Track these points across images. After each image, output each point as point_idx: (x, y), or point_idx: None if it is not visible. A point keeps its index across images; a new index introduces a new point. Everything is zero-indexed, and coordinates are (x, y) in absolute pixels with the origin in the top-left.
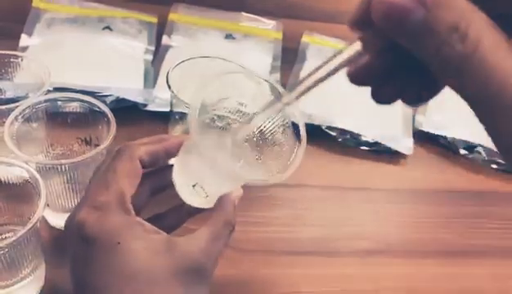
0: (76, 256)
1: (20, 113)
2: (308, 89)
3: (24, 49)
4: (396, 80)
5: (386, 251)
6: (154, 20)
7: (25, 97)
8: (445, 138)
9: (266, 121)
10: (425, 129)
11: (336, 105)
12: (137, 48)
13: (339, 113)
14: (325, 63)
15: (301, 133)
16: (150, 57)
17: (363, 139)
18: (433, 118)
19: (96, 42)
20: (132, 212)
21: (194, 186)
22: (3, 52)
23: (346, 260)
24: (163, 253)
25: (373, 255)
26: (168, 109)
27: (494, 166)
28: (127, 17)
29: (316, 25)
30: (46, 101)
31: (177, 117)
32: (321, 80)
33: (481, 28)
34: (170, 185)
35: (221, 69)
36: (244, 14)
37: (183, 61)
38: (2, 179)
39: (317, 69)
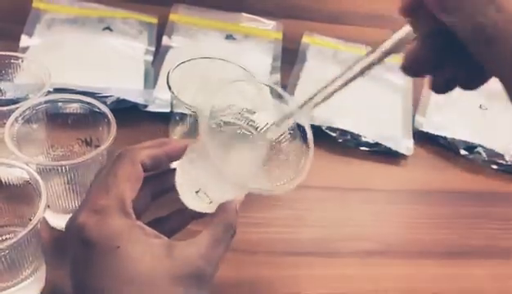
0: (76, 259)
1: (21, 115)
2: (359, 74)
3: (25, 50)
4: (449, 62)
5: (386, 251)
6: (155, 20)
7: (26, 98)
8: (445, 138)
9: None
10: (425, 129)
11: (336, 106)
12: (138, 49)
13: (339, 114)
14: (373, 51)
15: (309, 146)
16: (150, 58)
17: (363, 139)
18: (433, 118)
19: (97, 43)
20: (133, 216)
21: (197, 192)
22: (3, 53)
23: (346, 261)
24: (163, 258)
25: (373, 255)
26: (168, 110)
27: (494, 166)
28: (127, 18)
29: (317, 26)
30: (46, 102)
31: (177, 118)
32: (373, 64)
33: None
34: (172, 189)
35: (220, 73)
36: (244, 14)
37: (183, 62)
38: (3, 180)
39: (368, 54)
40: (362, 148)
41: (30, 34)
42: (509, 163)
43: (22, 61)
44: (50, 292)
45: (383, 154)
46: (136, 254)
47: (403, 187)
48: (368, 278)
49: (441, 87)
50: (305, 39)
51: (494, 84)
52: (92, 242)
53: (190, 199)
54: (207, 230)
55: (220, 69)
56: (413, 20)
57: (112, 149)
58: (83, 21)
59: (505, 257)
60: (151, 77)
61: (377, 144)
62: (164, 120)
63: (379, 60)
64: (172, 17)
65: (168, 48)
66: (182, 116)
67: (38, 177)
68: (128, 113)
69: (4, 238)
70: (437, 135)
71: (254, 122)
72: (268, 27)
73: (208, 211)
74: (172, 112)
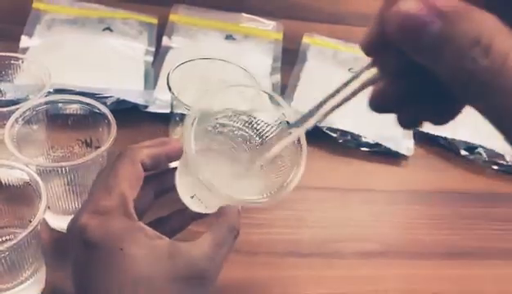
0: (78, 261)
1: (21, 116)
2: (323, 117)
3: (25, 50)
4: (418, 101)
5: (387, 252)
6: (155, 21)
7: (26, 99)
8: (445, 139)
9: (269, 135)
10: (426, 130)
11: None
12: (138, 49)
13: (339, 115)
14: (340, 89)
15: (302, 158)
16: (150, 58)
17: (364, 140)
18: None
19: (97, 44)
20: (135, 217)
21: (192, 197)
22: (3, 54)
23: (347, 262)
24: (165, 259)
25: (374, 256)
26: (168, 111)
27: (495, 167)
28: (127, 18)
29: (317, 26)
30: (46, 103)
31: (177, 118)
32: (336, 107)
33: (506, 41)
34: (173, 188)
35: (220, 73)
36: (244, 15)
37: (184, 63)
38: (3, 181)
39: (331, 95)
40: (363, 148)
41: (30, 35)
42: (509, 164)
43: (22, 62)
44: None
45: (383, 155)
46: (139, 256)
47: (403, 187)
48: (368, 279)
49: (407, 123)
50: (305, 39)
51: None
52: (95, 243)
53: (189, 201)
54: (210, 232)
55: (220, 70)
56: (377, 58)
57: (112, 149)
58: (83, 22)
59: (505, 258)
60: (151, 78)
61: (377, 145)
62: (164, 121)
63: (343, 102)
64: (172, 17)
65: (168, 49)
66: (182, 117)
67: (38, 178)
68: (128, 114)
69: (4, 239)
70: (438, 136)
71: (251, 123)
72: (268, 27)
73: (208, 212)
74: (172, 112)
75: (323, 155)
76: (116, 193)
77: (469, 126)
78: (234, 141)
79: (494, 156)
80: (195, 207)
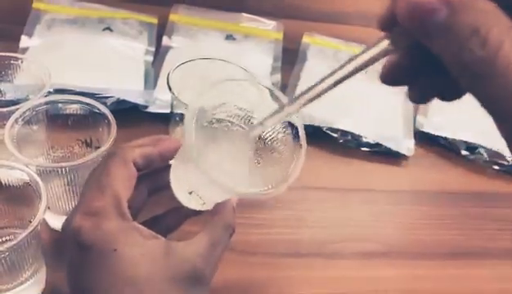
0: (73, 262)
1: (21, 116)
2: (334, 85)
3: (25, 50)
4: (428, 76)
5: (387, 252)
6: (155, 20)
7: (26, 99)
8: (446, 139)
9: (268, 131)
10: (426, 130)
11: (337, 106)
12: (138, 49)
13: (339, 115)
14: (352, 60)
15: (302, 146)
16: (150, 58)
17: (364, 140)
18: (434, 118)
19: (97, 44)
20: (129, 217)
21: (190, 193)
22: (3, 54)
23: (347, 262)
24: (161, 259)
25: (374, 256)
26: (168, 111)
27: (495, 167)
28: (127, 18)
29: (317, 26)
30: (46, 103)
31: (177, 118)
32: (348, 76)
33: (502, 32)
34: (167, 186)
35: (220, 73)
36: (244, 14)
37: (184, 63)
38: (3, 182)
39: (342, 66)
40: (363, 148)
41: (30, 35)
42: (510, 164)
43: (22, 62)
44: None
45: (384, 155)
46: (134, 256)
47: (404, 187)
48: (368, 279)
49: (418, 98)
50: (305, 39)
51: None
52: (89, 245)
53: (185, 198)
54: (205, 230)
55: (220, 70)
56: (390, 34)
57: (112, 150)
58: (83, 22)
59: (506, 258)
60: (151, 78)
61: (378, 145)
62: (165, 121)
63: (354, 73)
64: (173, 17)
65: (168, 48)
66: (183, 117)
67: (38, 179)
68: (128, 114)
69: (4, 239)
70: (438, 136)
71: (248, 118)
72: (268, 27)
73: (203, 209)
74: (172, 112)
75: (323, 155)
76: (109, 193)
77: (470, 126)
78: (231, 136)
79: (495, 156)
80: (191, 203)
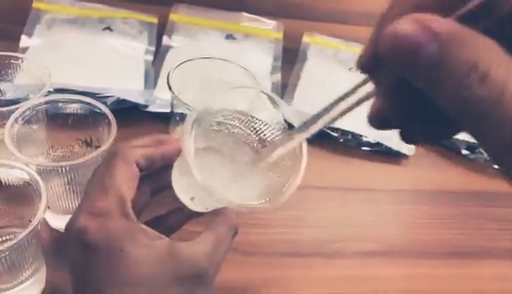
0: (77, 263)
1: (21, 115)
2: (318, 128)
3: (25, 50)
4: (417, 117)
5: (387, 251)
6: (155, 20)
7: (26, 98)
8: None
9: (267, 133)
10: None
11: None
12: (138, 49)
13: None
14: (336, 103)
15: (301, 166)
16: (150, 58)
17: (365, 139)
18: None
19: (97, 43)
20: (133, 217)
21: (192, 199)
22: (3, 53)
23: (347, 262)
24: (165, 259)
25: (374, 256)
26: (168, 110)
27: (496, 166)
28: (127, 18)
29: (317, 25)
30: (46, 103)
31: (177, 118)
32: (332, 121)
33: (504, 68)
34: (170, 186)
35: (220, 73)
36: (244, 14)
37: (184, 62)
38: (3, 181)
39: (326, 109)
40: (364, 148)
41: (30, 34)
42: None
43: (22, 61)
44: (50, 293)
45: (384, 154)
46: (139, 257)
47: (405, 187)
48: (369, 279)
49: (411, 139)
50: (305, 39)
51: None
52: (95, 244)
53: (187, 202)
54: (209, 231)
55: (220, 69)
56: (372, 76)
57: (112, 149)
58: (83, 21)
59: (506, 258)
60: (151, 78)
61: (378, 144)
62: (165, 120)
63: (338, 117)
64: (173, 17)
65: (168, 48)
66: (183, 116)
67: (38, 178)
68: (129, 114)
69: (4, 239)
70: None
71: (248, 122)
72: (269, 26)
73: (206, 211)
74: (172, 112)
75: (324, 154)
76: (113, 193)
77: None
78: (231, 140)
79: None
80: (194, 207)
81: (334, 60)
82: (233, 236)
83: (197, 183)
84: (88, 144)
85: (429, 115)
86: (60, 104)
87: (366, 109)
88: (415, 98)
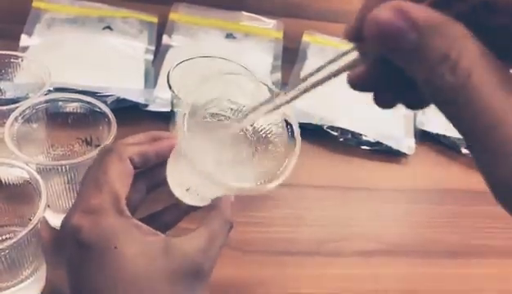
0: (72, 260)
1: (21, 114)
2: (303, 92)
3: (25, 49)
4: (395, 86)
5: (387, 251)
6: (155, 19)
7: (25, 97)
8: (446, 137)
9: (260, 120)
10: (427, 128)
11: (337, 105)
12: (138, 48)
13: (340, 113)
14: (322, 67)
15: (296, 142)
16: (150, 57)
17: (364, 138)
18: (435, 117)
19: (97, 42)
20: (127, 213)
21: (187, 190)
22: (3, 52)
23: (347, 261)
24: (160, 256)
25: (374, 255)
26: (168, 109)
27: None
28: (127, 17)
29: (317, 24)
30: (46, 102)
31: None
32: (316, 85)
33: (473, 58)
34: (165, 182)
35: (218, 69)
36: (244, 13)
37: (184, 61)
38: (3, 180)
39: (312, 73)
40: (363, 147)
41: (30, 34)
42: None
43: (22, 60)
44: (50, 292)
45: (384, 153)
46: (134, 253)
47: (404, 186)
48: (368, 278)
49: (384, 104)
50: (306, 38)
51: None
52: (89, 243)
53: (182, 194)
54: (204, 226)
55: (220, 68)
56: (359, 45)
57: (107, 146)
58: (83, 21)
59: (507, 257)
60: (151, 77)
61: (378, 143)
62: (165, 119)
63: (321, 82)
64: (173, 16)
65: (168, 47)
66: None
67: (38, 177)
68: (129, 113)
69: (4, 237)
70: (439, 134)
71: (241, 112)
72: (269, 26)
73: (201, 205)
74: (172, 111)
75: (323, 153)
76: (107, 190)
77: None
78: (225, 130)
79: None
80: (189, 199)
81: None
82: (228, 231)
83: (193, 170)
84: (88, 143)
85: (407, 85)
86: (60, 103)
87: (365, 108)
88: (396, 70)
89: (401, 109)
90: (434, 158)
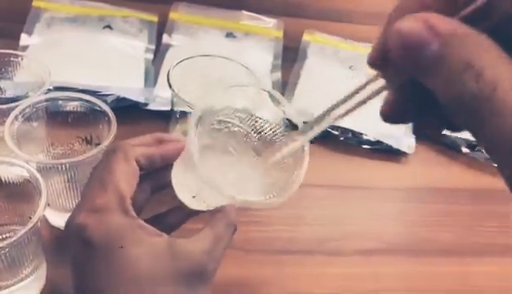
0: (77, 260)
1: (21, 113)
2: (330, 124)
3: (25, 48)
4: (429, 113)
5: (387, 250)
6: (155, 18)
7: (25, 96)
8: (447, 137)
9: (267, 131)
10: None
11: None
12: (138, 47)
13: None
14: (348, 98)
15: (304, 159)
16: (150, 56)
17: (365, 137)
18: None
19: (97, 42)
20: (133, 214)
21: (194, 197)
22: (3, 51)
23: (347, 260)
24: (165, 257)
25: (374, 254)
26: (168, 108)
27: (496, 164)
28: (127, 16)
29: (317, 24)
30: (46, 100)
31: (177, 116)
32: (343, 115)
33: (499, 70)
34: (170, 185)
35: (220, 71)
36: (244, 12)
37: (184, 60)
38: (3, 178)
39: (338, 103)
40: (364, 146)
41: (30, 33)
42: None
43: (22, 59)
44: (50, 291)
45: (384, 152)
46: (139, 254)
47: (404, 185)
48: (369, 277)
49: (420, 133)
50: (306, 37)
51: None
52: (94, 242)
53: (188, 200)
54: (208, 227)
55: (220, 67)
56: (384, 72)
57: (113, 146)
58: (83, 20)
59: (507, 255)
60: (152, 76)
61: (378, 142)
62: (165, 118)
63: (351, 110)
64: (173, 15)
65: (168, 46)
66: (183, 114)
67: (38, 175)
68: (129, 112)
69: (4, 236)
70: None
71: (249, 120)
72: (269, 25)
73: (206, 210)
74: (172, 110)
75: (324, 152)
76: (112, 189)
77: None
78: (232, 139)
79: None
80: (195, 205)
81: (335, 58)
82: (232, 233)
83: (201, 180)
84: (88, 141)
85: (437, 109)
86: (60, 102)
87: (365, 107)
88: (424, 93)
89: None
90: (434, 157)
